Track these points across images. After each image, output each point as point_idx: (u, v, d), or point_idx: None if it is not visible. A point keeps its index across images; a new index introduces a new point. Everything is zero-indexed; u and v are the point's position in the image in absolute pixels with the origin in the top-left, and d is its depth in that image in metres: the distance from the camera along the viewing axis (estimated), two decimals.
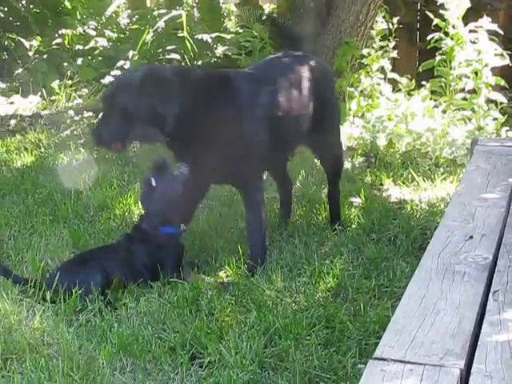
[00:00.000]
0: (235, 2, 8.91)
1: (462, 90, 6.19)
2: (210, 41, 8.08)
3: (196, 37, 8.03)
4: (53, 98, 7.54)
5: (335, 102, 4.19)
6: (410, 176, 5.02)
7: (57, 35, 8.58)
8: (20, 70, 8.12)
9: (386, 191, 4.85)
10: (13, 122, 6.89)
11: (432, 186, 4.85)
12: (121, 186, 4.85)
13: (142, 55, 8.08)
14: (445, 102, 6.22)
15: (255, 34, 7.23)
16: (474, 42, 6.17)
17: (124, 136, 3.35)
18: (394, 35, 6.63)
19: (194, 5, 9.01)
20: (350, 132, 5.92)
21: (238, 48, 7.57)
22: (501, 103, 6.15)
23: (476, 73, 6.11)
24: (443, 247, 2.65)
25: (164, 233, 3.36)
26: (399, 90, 6.56)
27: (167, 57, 7.88)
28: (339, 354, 2.74)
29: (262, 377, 2.63)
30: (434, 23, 6.35)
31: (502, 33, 6.28)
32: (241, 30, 8.15)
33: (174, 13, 8.28)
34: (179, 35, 7.97)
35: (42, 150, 5.88)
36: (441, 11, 6.29)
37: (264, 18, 8.13)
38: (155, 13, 8.73)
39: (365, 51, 6.52)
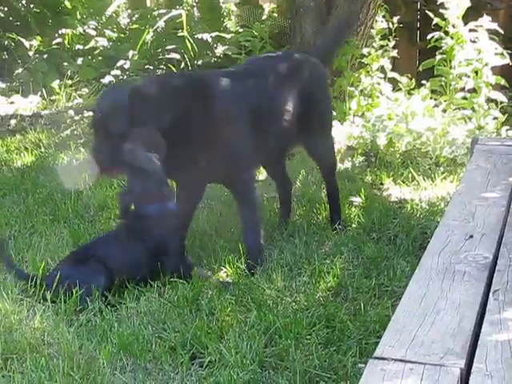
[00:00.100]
0: (235, 1, 8.91)
1: (462, 89, 6.18)
2: (210, 40, 8.09)
3: (196, 36, 8.04)
4: (53, 97, 7.54)
5: (326, 99, 4.11)
6: (410, 175, 5.02)
7: (57, 35, 8.58)
8: (20, 70, 8.12)
9: (386, 190, 4.85)
10: (13, 121, 6.89)
11: (432, 186, 4.85)
12: (121, 185, 4.84)
13: (142, 55, 8.09)
14: (445, 101, 6.21)
15: (255, 33, 7.24)
16: (474, 42, 6.16)
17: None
18: (394, 34, 6.62)
19: (194, 4, 9.02)
20: (350, 131, 5.91)
21: (237, 47, 7.58)
22: (501, 102, 6.15)
23: (476, 72, 6.11)
24: (443, 246, 2.65)
25: (154, 210, 3.34)
26: (399, 89, 6.55)
27: (167, 56, 7.89)
28: (339, 353, 2.74)
29: (263, 376, 2.63)
30: (434, 22, 6.34)
31: (502, 32, 6.27)
32: (241, 30, 8.16)
33: (174, 12, 8.28)
34: (179, 35, 7.97)
35: (43, 149, 5.88)
36: (441, 10, 6.28)
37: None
38: (155, 12, 8.74)
39: (365, 50, 6.51)
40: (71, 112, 7.04)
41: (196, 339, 2.81)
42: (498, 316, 2.13)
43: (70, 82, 7.69)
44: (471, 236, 2.74)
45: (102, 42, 8.50)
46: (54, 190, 4.65)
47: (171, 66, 7.65)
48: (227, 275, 3.46)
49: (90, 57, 8.36)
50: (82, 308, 3.09)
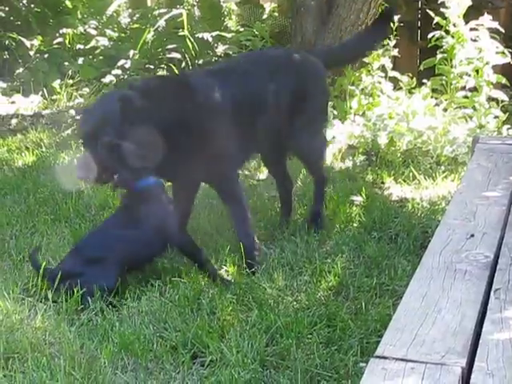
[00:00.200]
0: (236, 0, 8.91)
1: (463, 88, 6.18)
2: (210, 39, 8.08)
3: (197, 36, 8.03)
4: (54, 97, 7.54)
5: (319, 98, 4.04)
6: (411, 174, 5.02)
7: (58, 34, 8.57)
8: (21, 70, 8.12)
9: (387, 189, 4.85)
10: (14, 121, 6.89)
11: (433, 185, 4.85)
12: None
13: (143, 54, 8.08)
14: (446, 100, 6.21)
15: (256, 32, 7.24)
16: (474, 40, 6.16)
17: (115, 168, 3.34)
18: (394, 33, 6.62)
19: (195, 3, 9.01)
20: (351, 130, 5.91)
21: (238, 47, 7.58)
22: (502, 101, 6.14)
23: (477, 71, 6.10)
24: (444, 245, 2.65)
25: (145, 185, 3.34)
26: (400, 88, 6.54)
27: (168, 56, 7.89)
28: (341, 352, 2.74)
29: (264, 375, 2.63)
30: (434, 21, 6.34)
31: (503, 31, 6.28)
32: (241, 29, 8.16)
33: (175, 12, 8.28)
34: (180, 34, 7.97)
35: (44, 149, 5.88)
36: (442, 9, 6.28)
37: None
38: (156, 12, 8.73)
39: None
40: (72, 111, 7.04)
41: (197, 338, 2.82)
42: (500, 315, 2.13)
43: (70, 81, 7.69)
44: (472, 235, 2.75)
45: (103, 41, 8.49)
46: (55, 189, 4.65)
47: (172, 66, 7.65)
48: (228, 274, 3.46)
49: (90, 56, 8.35)
50: (83, 307, 3.10)
